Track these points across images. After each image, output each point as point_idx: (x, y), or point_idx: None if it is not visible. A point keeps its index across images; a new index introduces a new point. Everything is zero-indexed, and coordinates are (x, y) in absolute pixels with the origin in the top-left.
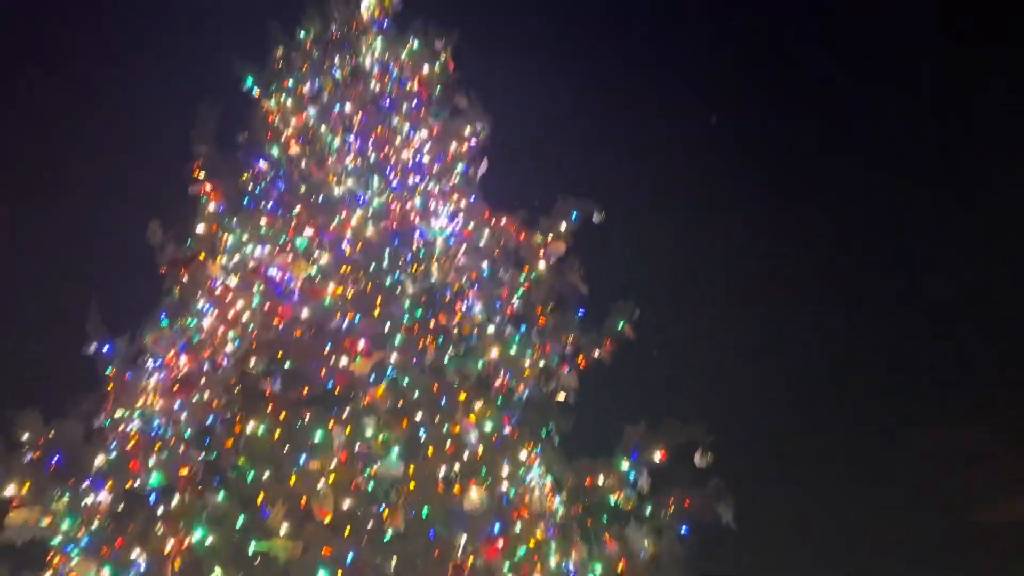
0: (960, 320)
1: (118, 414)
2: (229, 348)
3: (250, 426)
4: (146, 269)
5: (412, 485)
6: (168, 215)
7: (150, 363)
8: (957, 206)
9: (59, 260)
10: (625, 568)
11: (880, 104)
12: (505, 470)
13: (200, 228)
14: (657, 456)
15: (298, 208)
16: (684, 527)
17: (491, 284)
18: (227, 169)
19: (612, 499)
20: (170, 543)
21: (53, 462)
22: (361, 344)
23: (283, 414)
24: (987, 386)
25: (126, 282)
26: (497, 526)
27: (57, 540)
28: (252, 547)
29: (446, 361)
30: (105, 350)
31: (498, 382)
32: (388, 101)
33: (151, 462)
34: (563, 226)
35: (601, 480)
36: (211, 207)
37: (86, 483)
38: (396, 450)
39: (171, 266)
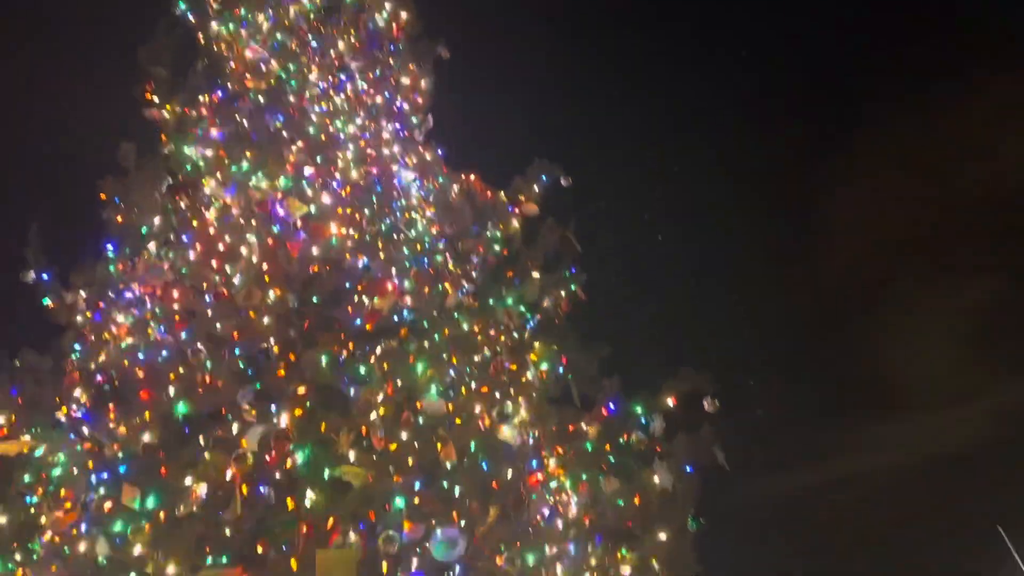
0: None
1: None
2: (237, 280)
3: (306, 355)
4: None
5: (458, 420)
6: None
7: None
8: None
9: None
10: (639, 501)
11: None
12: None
13: (208, 152)
14: (669, 401)
15: (300, 144)
16: (689, 467)
17: (471, 239)
18: (183, 93)
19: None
20: (229, 472)
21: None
22: (390, 284)
23: (351, 344)
24: None
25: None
26: (534, 461)
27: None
28: (327, 473)
29: (491, 302)
30: (45, 279)
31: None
32: (367, 41)
33: (171, 392)
34: (535, 188)
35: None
36: (212, 132)
37: (79, 413)
38: (435, 388)
39: (169, 192)
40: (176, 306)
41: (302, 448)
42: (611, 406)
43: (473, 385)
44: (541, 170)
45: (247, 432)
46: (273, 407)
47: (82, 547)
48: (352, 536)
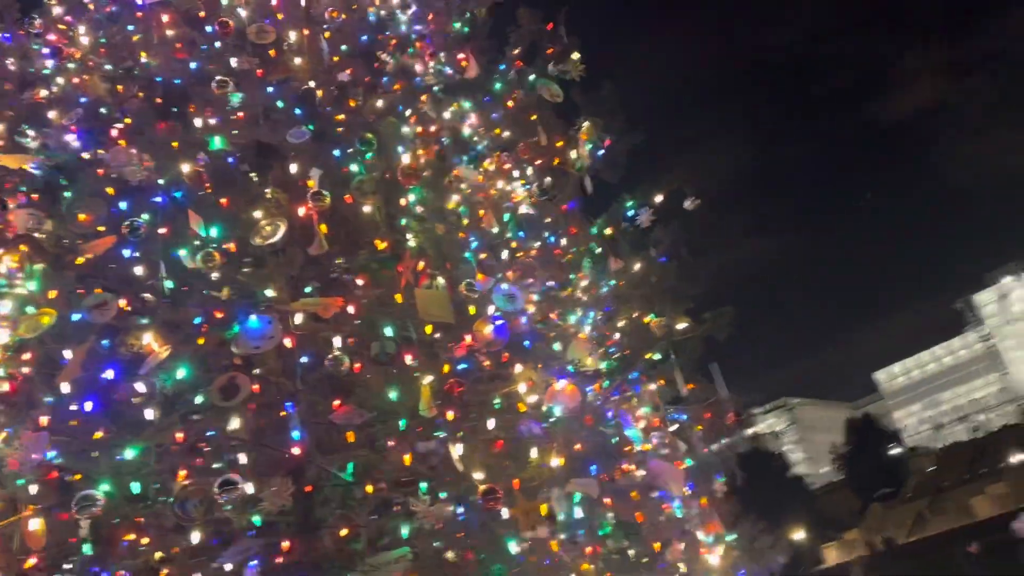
0: None
1: None
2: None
3: (369, 102)
4: None
5: (493, 192)
6: None
7: None
8: None
9: None
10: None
11: None
12: None
13: None
14: (659, 198)
15: None
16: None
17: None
18: None
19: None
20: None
21: None
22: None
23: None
24: None
25: None
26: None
27: None
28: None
29: (532, 79)
30: None
31: None
32: None
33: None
34: None
35: None
36: None
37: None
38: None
39: None
40: (170, 33)
41: (416, 189)
42: (571, 204)
43: (496, 160)
44: None
45: (309, 172)
46: (336, 152)
47: (139, 271)
48: (440, 280)
